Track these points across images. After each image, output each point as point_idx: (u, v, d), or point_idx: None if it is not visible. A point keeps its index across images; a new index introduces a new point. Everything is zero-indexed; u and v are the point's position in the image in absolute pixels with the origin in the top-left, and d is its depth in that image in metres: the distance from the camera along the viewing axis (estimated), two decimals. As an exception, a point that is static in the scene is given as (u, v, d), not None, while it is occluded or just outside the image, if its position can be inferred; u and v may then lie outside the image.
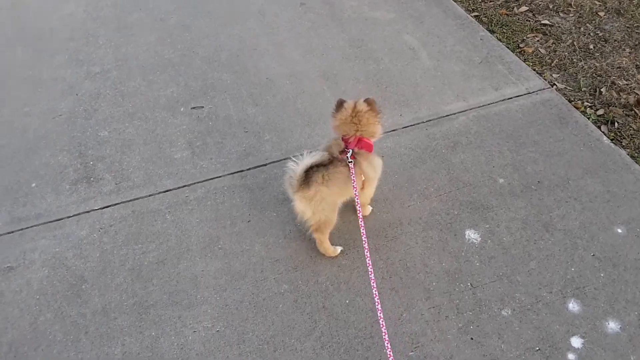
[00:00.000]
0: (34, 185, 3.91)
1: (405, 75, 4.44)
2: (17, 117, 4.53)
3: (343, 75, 4.51)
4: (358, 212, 2.80)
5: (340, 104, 2.96)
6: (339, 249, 3.22)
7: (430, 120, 4.00)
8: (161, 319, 3.04)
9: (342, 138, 2.91)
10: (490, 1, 5.32)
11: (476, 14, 5.16)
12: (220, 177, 3.80)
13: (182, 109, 4.40)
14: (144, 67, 4.87)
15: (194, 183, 3.77)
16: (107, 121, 4.37)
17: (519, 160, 3.63)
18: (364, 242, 2.75)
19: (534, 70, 4.40)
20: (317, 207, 2.86)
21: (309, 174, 2.67)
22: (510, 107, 4.05)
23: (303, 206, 2.90)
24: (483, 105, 4.08)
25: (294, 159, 2.66)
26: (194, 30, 5.27)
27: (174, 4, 5.75)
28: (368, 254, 2.67)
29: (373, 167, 2.99)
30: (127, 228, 3.53)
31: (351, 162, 2.81)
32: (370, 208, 3.41)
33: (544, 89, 4.19)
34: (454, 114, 4.03)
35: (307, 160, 2.63)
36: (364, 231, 2.76)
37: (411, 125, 3.98)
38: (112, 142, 4.17)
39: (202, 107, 4.42)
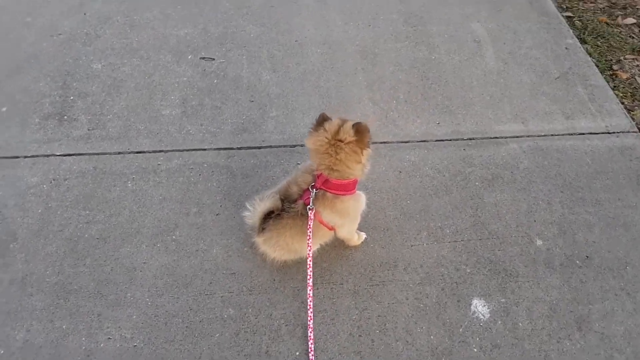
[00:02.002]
0: (4, 109, 3.41)
1: (460, 73, 3.59)
2: (16, 27, 4.01)
3: (385, 56, 3.70)
4: (308, 267, 2.30)
5: (322, 121, 2.23)
6: (363, 235, 2.72)
7: (472, 139, 3.19)
8: (79, 310, 2.51)
9: (315, 169, 2.28)
10: (591, 2, 4.28)
11: (569, 14, 4.16)
12: (204, 149, 3.17)
13: (189, 57, 3.75)
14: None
15: (173, 150, 3.16)
16: (106, 52, 3.77)
17: (570, 221, 2.81)
18: (308, 289, 2.12)
19: (622, 103, 3.45)
20: (280, 251, 2.48)
21: (267, 217, 2.37)
22: (579, 145, 3.17)
23: (264, 249, 2.51)
24: (545, 135, 3.22)
25: (248, 205, 2.41)
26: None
27: None
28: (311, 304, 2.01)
29: (339, 214, 2.36)
30: (82, 187, 2.98)
31: (310, 208, 2.28)
32: (364, 236, 2.72)
33: (628, 131, 3.26)
34: (505, 137, 3.20)
35: (261, 207, 2.33)
36: (310, 274, 2.10)
37: (447, 140, 3.18)
38: (101, 79, 3.59)
39: (213, 59, 3.74)
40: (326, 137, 2.20)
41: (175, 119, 3.34)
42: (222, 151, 3.16)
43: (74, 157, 3.14)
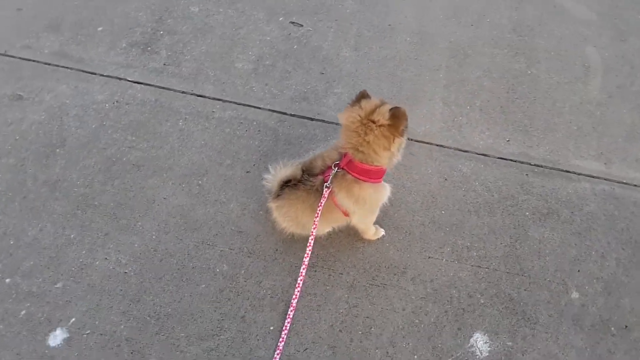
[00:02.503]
0: (100, 29, 3.63)
1: (553, 94, 3.22)
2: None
3: (476, 59, 3.42)
4: (308, 245, 2.16)
5: (360, 97, 2.08)
6: (381, 232, 2.56)
7: (539, 166, 2.85)
8: (90, 225, 2.62)
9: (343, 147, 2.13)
10: None
11: None
12: (259, 108, 3.14)
13: (281, 19, 3.73)
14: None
15: (231, 102, 3.18)
16: (206, -2, 3.86)
17: (620, 282, 2.42)
18: (302, 267, 2.00)
19: None
20: (289, 222, 2.38)
21: (285, 185, 2.26)
22: (666, 205, 2.70)
23: (276, 215, 2.41)
24: (626, 183, 2.79)
25: (270, 169, 2.33)
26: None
27: None
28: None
29: (355, 200, 2.18)
30: (138, 114, 3.10)
31: (327, 186, 2.13)
32: (382, 232, 2.54)
33: None
34: (578, 174, 2.82)
35: (281, 174, 2.25)
36: (309, 252, 1.97)
37: (510, 160, 2.87)
38: (194, 21, 3.69)
39: (302, 25, 3.69)
40: (359, 115, 2.06)
41: (244, 73, 3.34)
42: (275, 114, 3.11)
43: (142, 85, 3.26)
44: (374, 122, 2.03)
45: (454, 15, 3.77)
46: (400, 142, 2.11)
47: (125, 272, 2.44)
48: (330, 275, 2.42)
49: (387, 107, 2.05)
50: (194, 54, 3.47)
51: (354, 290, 2.38)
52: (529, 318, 2.30)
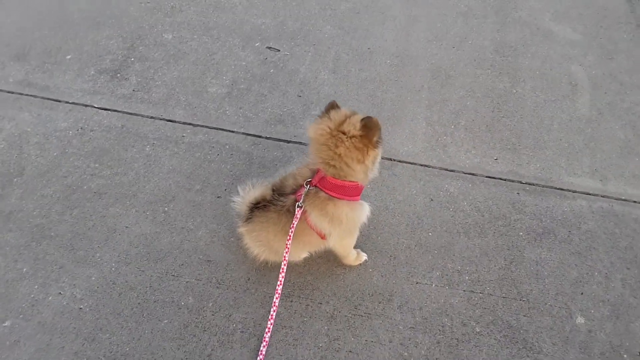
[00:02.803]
0: (68, 57, 3.48)
1: (541, 112, 3.08)
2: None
3: (458, 80, 3.29)
4: (281, 272, 1.91)
5: (330, 108, 1.93)
6: (363, 256, 2.33)
7: (531, 184, 2.66)
8: (45, 258, 2.37)
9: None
10: None
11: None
12: (232, 132, 2.97)
13: (257, 44, 3.61)
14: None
15: (202, 126, 3.00)
16: (181, 26, 3.75)
17: (628, 305, 2.20)
18: (275, 297, 1.77)
19: None
20: (261, 247, 2.17)
21: (255, 207, 2.08)
22: (669, 221, 2.52)
23: (247, 241, 2.19)
24: (625, 200, 2.61)
25: (239, 190, 2.17)
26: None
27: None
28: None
29: (330, 219, 1.97)
30: (103, 140, 2.90)
31: (299, 206, 1.93)
32: (364, 257, 2.32)
33: None
34: (573, 191, 2.64)
35: (250, 195, 2.10)
36: (281, 279, 1.75)
37: (498, 179, 2.69)
38: (166, 48, 3.55)
39: (279, 50, 3.57)
40: (329, 127, 1.89)
41: (217, 97, 3.18)
42: (249, 137, 2.93)
43: (109, 112, 3.09)
44: (344, 133, 1.85)
45: (435, 38, 3.67)
46: (375, 155, 1.92)
47: (80, 308, 2.18)
48: (307, 305, 2.18)
49: (358, 117, 1.89)
50: (165, 80, 3.32)
51: (335, 321, 2.13)
52: (531, 347, 2.06)
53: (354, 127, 1.85)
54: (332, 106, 1.96)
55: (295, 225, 1.97)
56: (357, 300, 2.20)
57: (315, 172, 1.99)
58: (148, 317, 2.14)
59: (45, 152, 2.84)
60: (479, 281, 2.26)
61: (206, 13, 3.91)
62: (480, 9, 3.93)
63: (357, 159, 1.87)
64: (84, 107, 3.12)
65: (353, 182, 1.92)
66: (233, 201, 2.20)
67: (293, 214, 1.99)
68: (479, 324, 2.12)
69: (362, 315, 2.14)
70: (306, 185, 1.99)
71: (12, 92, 3.21)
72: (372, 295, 2.21)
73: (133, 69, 3.40)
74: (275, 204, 2.06)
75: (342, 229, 2.03)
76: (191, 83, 3.30)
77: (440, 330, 2.10)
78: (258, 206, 2.10)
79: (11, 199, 2.61)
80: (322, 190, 1.95)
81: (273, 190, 2.10)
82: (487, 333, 2.09)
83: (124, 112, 3.09)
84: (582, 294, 2.23)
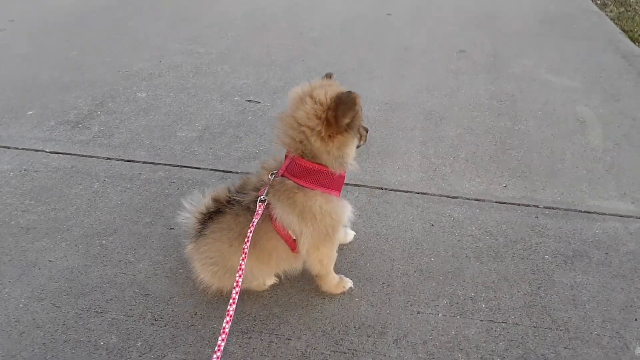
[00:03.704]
0: (30, 113, 3.22)
1: (550, 144, 2.72)
2: (95, 65, 4.02)
3: (454, 121, 3.00)
4: (235, 286, 1.40)
5: (325, 77, 1.62)
6: (348, 283, 1.80)
7: (550, 208, 2.21)
8: (-62, 296, 1.83)
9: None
10: None
11: None
12: (198, 168, 2.58)
13: (236, 99, 3.38)
14: (249, 58, 4.02)
15: (164, 164, 2.62)
16: (158, 87, 3.55)
17: None
18: (224, 322, 1.26)
19: None
20: (212, 267, 1.69)
21: (209, 218, 1.69)
22: None
23: (195, 264, 1.76)
24: (668, 222, 2.13)
25: (185, 203, 1.77)
26: (324, 44, 4.29)
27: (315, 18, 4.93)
28: None
29: (300, 213, 1.54)
30: (46, 180, 2.51)
31: (262, 200, 1.52)
32: (349, 284, 1.80)
33: None
34: (602, 214, 2.18)
35: (200, 204, 1.73)
36: (234, 300, 1.26)
37: (510, 204, 2.25)
38: (138, 104, 3.31)
39: (259, 102, 3.32)
40: (302, 90, 1.53)
41: (187, 140, 2.85)
42: (217, 172, 2.55)
43: (61, 155, 2.73)
44: (311, 97, 1.47)
45: (426, 89, 3.44)
46: (343, 142, 1.50)
47: (-38, 352, 1.61)
48: (272, 342, 1.61)
49: (338, 89, 1.52)
50: (131, 128, 3.01)
51: (308, 360, 1.55)
52: (580, 390, 1.46)
53: (325, 94, 1.48)
54: (328, 76, 1.61)
55: (255, 224, 1.51)
56: (338, 334, 1.63)
57: (281, 162, 1.59)
58: (53, 357, 1.57)
59: (-23, 192, 2.42)
60: (499, 309, 1.71)
61: (186, 77, 3.73)
62: (470, 68, 3.76)
63: (318, 133, 1.46)
64: (34, 152, 2.77)
65: (322, 165, 1.50)
66: (180, 216, 1.74)
67: (253, 212, 1.54)
68: (504, 355, 1.53)
69: (344, 352, 1.57)
70: (271, 176, 1.57)
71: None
72: (359, 329, 1.65)
73: (97, 120, 3.11)
74: (232, 205, 1.62)
75: (315, 227, 1.56)
76: (159, 129, 2.99)
77: (454, 371, 1.51)
78: (210, 216, 1.66)
79: None
80: (289, 178, 1.52)
81: (229, 191, 1.67)
82: (519, 371, 1.50)
83: (77, 155, 2.74)
84: (636, 320, 1.67)
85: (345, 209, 1.61)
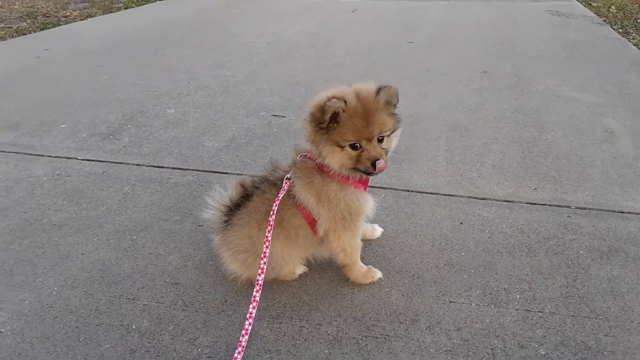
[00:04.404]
0: (63, 126, 3.32)
1: (578, 152, 2.70)
2: (124, 87, 4.15)
3: (479, 132, 3.00)
4: (263, 257, 1.53)
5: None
6: (377, 274, 1.78)
7: (582, 209, 2.18)
8: (-25, 283, 1.86)
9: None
10: None
11: None
12: (226, 173, 2.62)
13: (262, 114, 3.43)
14: (274, 80, 4.12)
15: (192, 169, 2.66)
16: (187, 105, 3.64)
17: None
18: (250, 307, 1.26)
19: None
20: (241, 254, 1.69)
21: (235, 208, 1.73)
22: None
23: (223, 254, 1.76)
24: None
25: (208, 199, 1.79)
26: (346, 68, 4.38)
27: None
28: None
29: (316, 195, 1.60)
30: (78, 183, 2.57)
31: (288, 178, 1.61)
32: (378, 275, 1.78)
33: None
34: (637, 213, 2.12)
35: (226, 194, 1.76)
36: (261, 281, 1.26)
37: (541, 205, 2.22)
38: (167, 118, 3.39)
39: (284, 116, 3.37)
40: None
41: (214, 149, 2.90)
42: (244, 176, 2.56)
43: (92, 162, 2.80)
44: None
45: (450, 105, 3.47)
46: (318, 138, 1.54)
47: (1, 332, 1.62)
48: (302, 327, 1.59)
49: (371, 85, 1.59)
50: (161, 139, 3.08)
51: (339, 344, 1.52)
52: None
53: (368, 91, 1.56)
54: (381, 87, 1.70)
55: (280, 198, 1.53)
56: (369, 321, 1.60)
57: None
58: (84, 342, 1.57)
59: (10, 194, 2.50)
60: (534, 299, 1.67)
61: (213, 96, 3.82)
62: (492, 86, 3.79)
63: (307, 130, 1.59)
64: (66, 159, 2.85)
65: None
66: (205, 211, 1.78)
67: (279, 189, 1.57)
68: (543, 346, 1.49)
69: (376, 337, 1.54)
70: (299, 158, 1.61)
71: (-12, 152, 2.97)
72: (390, 315, 1.62)
73: (128, 132, 3.19)
74: (259, 188, 1.65)
75: (331, 211, 1.58)
76: (187, 140, 3.05)
77: (489, 354, 1.47)
78: (236, 206, 1.69)
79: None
80: (313, 161, 1.55)
81: (254, 178, 1.72)
82: (558, 356, 1.45)
83: (108, 161, 2.80)
84: (680, 311, 1.61)
85: (363, 199, 1.62)
